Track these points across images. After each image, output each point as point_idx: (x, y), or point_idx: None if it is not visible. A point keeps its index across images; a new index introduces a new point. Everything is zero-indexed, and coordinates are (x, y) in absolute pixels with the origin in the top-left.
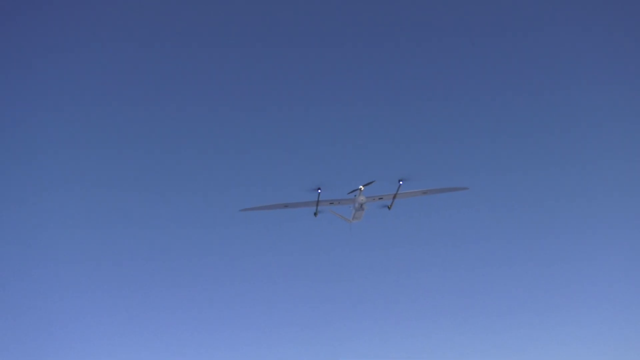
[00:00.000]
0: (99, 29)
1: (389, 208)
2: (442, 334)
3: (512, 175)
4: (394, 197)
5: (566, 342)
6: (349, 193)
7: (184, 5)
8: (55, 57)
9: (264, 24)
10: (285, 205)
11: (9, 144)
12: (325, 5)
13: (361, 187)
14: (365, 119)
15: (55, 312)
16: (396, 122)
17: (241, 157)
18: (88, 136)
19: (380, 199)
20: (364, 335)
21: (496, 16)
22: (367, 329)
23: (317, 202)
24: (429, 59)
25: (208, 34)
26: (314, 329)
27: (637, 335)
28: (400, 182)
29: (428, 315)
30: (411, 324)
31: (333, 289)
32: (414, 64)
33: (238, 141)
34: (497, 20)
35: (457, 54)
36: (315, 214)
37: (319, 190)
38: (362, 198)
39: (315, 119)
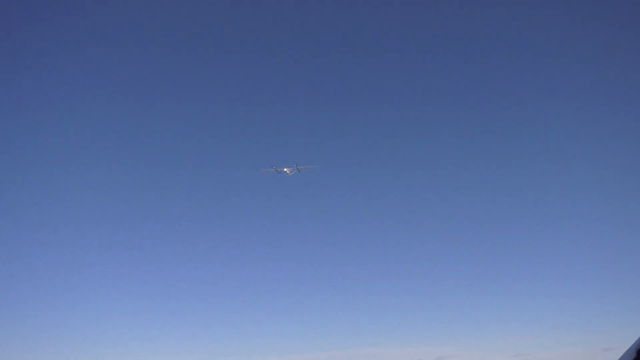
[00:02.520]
0: (105, 31)
1: (298, 171)
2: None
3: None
4: (297, 169)
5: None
6: (278, 168)
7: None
8: (63, 60)
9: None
10: (268, 170)
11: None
12: None
13: (286, 169)
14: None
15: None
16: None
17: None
18: (122, 105)
19: (292, 170)
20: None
21: None
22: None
23: (277, 169)
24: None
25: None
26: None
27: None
28: (296, 164)
29: None
30: None
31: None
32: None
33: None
34: None
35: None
36: (278, 172)
37: (274, 167)
38: (286, 169)
39: None
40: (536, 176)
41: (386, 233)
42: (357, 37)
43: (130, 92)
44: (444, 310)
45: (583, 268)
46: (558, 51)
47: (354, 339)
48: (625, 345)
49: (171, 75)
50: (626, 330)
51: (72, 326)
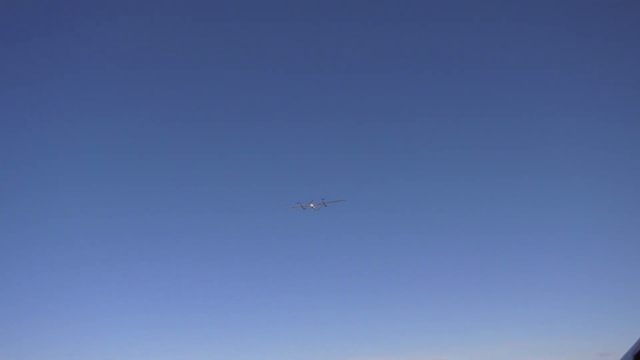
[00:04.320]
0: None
1: (324, 205)
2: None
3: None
4: (324, 204)
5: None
6: (304, 204)
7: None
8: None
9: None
10: (294, 207)
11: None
12: None
13: (312, 204)
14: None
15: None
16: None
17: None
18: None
19: (318, 204)
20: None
21: None
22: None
23: (302, 205)
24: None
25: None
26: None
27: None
28: (323, 199)
29: None
30: None
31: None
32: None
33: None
34: None
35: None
36: (303, 208)
37: (300, 203)
38: (312, 204)
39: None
40: (531, 185)
41: (383, 245)
42: (381, 63)
43: (154, 119)
44: (439, 317)
45: (578, 274)
46: (559, 62)
47: (349, 348)
48: (621, 350)
49: (195, 105)
50: (623, 336)
51: (72, 327)
